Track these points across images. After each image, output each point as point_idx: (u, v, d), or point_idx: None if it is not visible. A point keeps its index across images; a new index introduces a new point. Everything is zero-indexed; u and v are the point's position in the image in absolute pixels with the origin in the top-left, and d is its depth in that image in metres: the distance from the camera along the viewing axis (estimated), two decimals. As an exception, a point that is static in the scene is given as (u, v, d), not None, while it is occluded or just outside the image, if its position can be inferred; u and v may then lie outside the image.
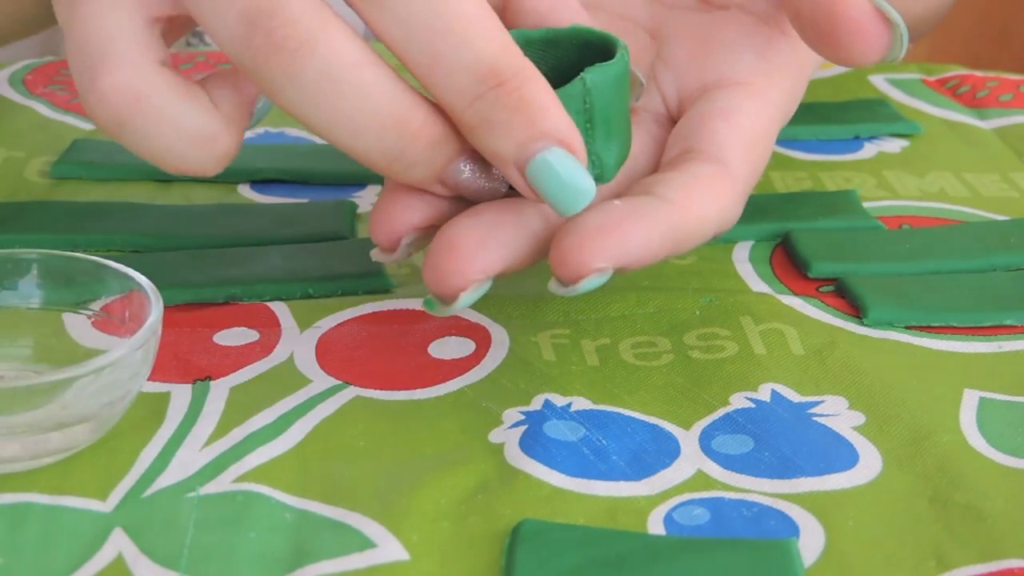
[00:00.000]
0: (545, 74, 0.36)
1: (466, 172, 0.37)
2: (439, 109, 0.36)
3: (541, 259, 0.38)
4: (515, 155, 0.36)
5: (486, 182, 0.37)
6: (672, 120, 0.44)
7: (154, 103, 0.36)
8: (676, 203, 0.38)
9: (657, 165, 0.42)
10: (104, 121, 0.36)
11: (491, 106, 0.35)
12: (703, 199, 0.39)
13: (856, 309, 0.45)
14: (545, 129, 0.35)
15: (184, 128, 0.36)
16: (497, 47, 0.35)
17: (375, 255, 0.39)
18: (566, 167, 0.36)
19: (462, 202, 0.38)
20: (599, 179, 0.38)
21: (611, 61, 0.38)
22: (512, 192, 0.38)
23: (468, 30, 0.35)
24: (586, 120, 0.38)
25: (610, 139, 0.38)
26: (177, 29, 0.38)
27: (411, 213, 0.38)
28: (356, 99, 0.35)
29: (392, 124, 0.35)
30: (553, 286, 0.37)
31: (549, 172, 0.36)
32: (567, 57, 0.39)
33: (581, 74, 0.37)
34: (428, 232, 0.38)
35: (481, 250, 0.37)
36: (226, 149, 0.37)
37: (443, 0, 0.35)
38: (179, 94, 0.36)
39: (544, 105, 0.35)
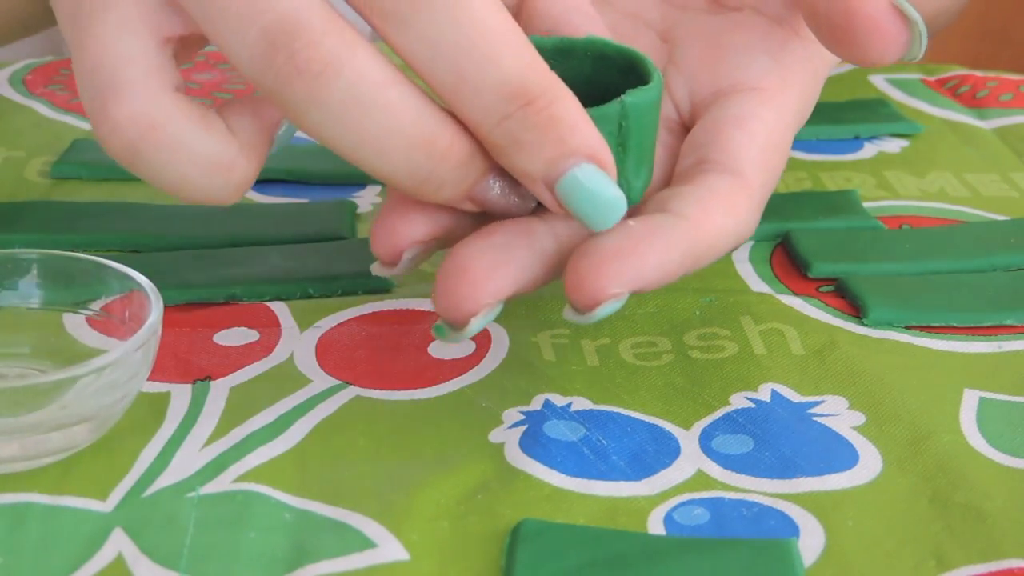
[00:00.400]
0: None
1: (496, 189, 0.36)
2: (466, 127, 0.35)
3: (552, 280, 0.37)
4: (544, 174, 0.35)
5: (516, 198, 0.36)
6: (684, 127, 0.43)
7: (169, 132, 0.34)
8: (693, 220, 0.37)
9: (670, 175, 0.41)
10: (117, 150, 0.35)
11: (520, 126, 0.34)
12: (720, 214, 0.38)
13: (856, 309, 0.45)
14: (574, 146, 0.34)
15: (200, 157, 0.35)
16: (525, 64, 0.34)
17: (376, 269, 0.38)
18: (596, 183, 0.35)
19: (467, 215, 0.37)
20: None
21: (649, 85, 0.37)
22: (540, 207, 0.37)
23: (494, 48, 0.34)
24: (619, 143, 0.37)
25: (641, 164, 0.38)
26: (189, 49, 0.37)
27: (413, 227, 0.37)
28: (383, 120, 0.34)
29: (420, 144, 0.34)
30: (568, 314, 0.36)
31: (579, 189, 0.35)
32: (581, 68, 0.39)
33: (622, 96, 0.36)
34: (430, 246, 0.37)
35: (493, 274, 0.36)
36: (244, 177, 0.36)
37: (468, 17, 0.33)
38: (195, 122, 0.35)
39: (573, 122, 0.34)
